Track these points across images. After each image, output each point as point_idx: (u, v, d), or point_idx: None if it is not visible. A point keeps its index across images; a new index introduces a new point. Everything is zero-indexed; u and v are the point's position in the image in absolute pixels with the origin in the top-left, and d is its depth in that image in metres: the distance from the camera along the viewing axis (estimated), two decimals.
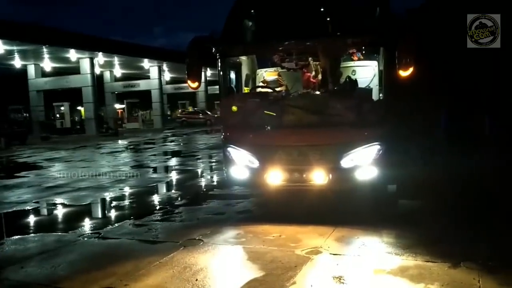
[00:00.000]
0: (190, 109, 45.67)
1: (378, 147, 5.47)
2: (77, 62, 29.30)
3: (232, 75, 7.03)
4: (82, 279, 4.23)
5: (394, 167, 5.84)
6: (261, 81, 7.05)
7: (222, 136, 6.33)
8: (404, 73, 5.21)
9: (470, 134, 10.70)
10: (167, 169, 12.77)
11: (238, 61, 7.09)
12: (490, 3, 9.08)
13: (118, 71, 37.21)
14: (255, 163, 5.76)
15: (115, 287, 3.97)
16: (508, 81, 11.62)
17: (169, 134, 28.38)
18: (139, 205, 7.82)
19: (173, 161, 14.65)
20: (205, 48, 5.96)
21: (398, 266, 4.16)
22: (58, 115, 35.67)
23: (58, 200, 8.32)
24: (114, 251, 5.15)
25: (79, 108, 38.88)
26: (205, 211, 6.93)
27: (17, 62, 29.16)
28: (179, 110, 48.55)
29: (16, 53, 26.77)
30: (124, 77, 39.26)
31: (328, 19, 5.69)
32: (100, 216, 7.64)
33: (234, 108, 5.98)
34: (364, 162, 5.48)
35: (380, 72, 6.16)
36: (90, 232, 6.06)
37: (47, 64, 29.82)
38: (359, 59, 6.74)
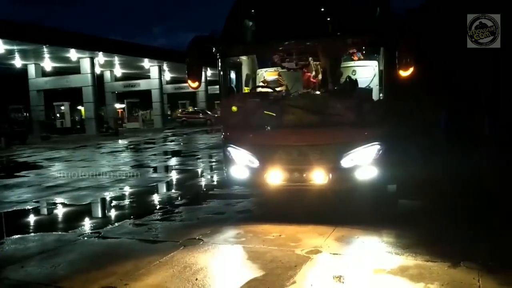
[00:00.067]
0: (190, 109, 45.65)
1: (378, 147, 5.48)
2: (78, 61, 29.32)
3: (232, 75, 7.04)
4: (82, 278, 4.23)
5: (394, 167, 5.84)
6: (261, 81, 7.05)
7: (222, 136, 6.34)
8: (404, 73, 5.21)
9: (470, 134, 10.71)
10: (167, 169, 12.78)
11: (238, 61, 7.09)
12: (490, 3, 9.08)
13: (118, 71, 37.24)
14: (255, 163, 5.76)
15: (115, 287, 3.98)
16: (508, 81, 11.62)
17: (169, 134, 28.39)
18: (139, 205, 7.83)
19: (173, 161, 14.66)
20: (205, 48, 5.96)
21: (398, 265, 4.17)
22: (58, 115, 35.68)
23: (58, 199, 8.32)
24: (114, 250, 5.16)
25: (79, 107, 38.89)
26: (205, 210, 6.93)
27: (18, 62, 29.19)
28: (180, 110, 48.55)
29: (16, 53, 26.79)
30: (125, 77, 39.29)
31: (328, 19, 5.69)
32: (100, 215, 7.65)
33: (234, 108, 5.99)
34: (364, 162, 5.48)
35: (380, 72, 6.16)
36: (90, 231, 6.07)
37: (48, 64, 29.84)
38: (359, 59, 6.75)
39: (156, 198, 8.70)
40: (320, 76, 6.60)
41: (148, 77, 38.06)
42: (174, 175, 11.51)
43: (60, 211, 7.70)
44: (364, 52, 6.65)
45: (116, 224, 6.41)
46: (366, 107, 5.61)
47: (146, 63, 35.04)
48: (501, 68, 11.38)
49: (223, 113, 6.69)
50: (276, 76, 6.94)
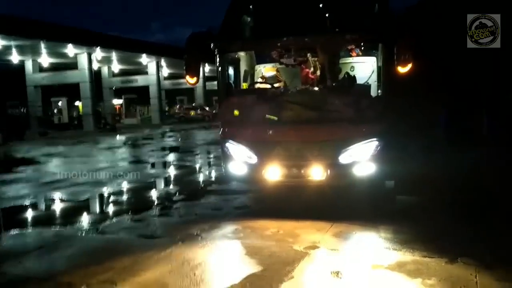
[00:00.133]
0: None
1: (376, 143, 5.50)
2: (75, 57, 29.16)
3: (231, 71, 7.03)
4: (80, 273, 4.23)
5: (392, 163, 5.86)
6: (260, 77, 7.04)
7: (220, 132, 6.34)
8: (402, 70, 5.23)
9: (470, 134, 10.76)
10: (165, 165, 12.77)
11: (236, 57, 7.09)
12: (490, 3, 9.09)
13: (116, 67, 37.08)
14: (253, 159, 5.78)
15: (113, 282, 3.98)
16: (508, 81, 11.66)
17: (167, 129, 28.34)
18: (137, 201, 7.83)
19: (171, 157, 14.64)
20: (203, 44, 5.95)
21: (396, 261, 4.19)
22: (55, 111, 35.56)
23: (57, 195, 8.32)
24: (112, 246, 5.16)
25: (77, 103, 38.75)
26: (203, 206, 6.94)
27: (15, 58, 29.03)
28: (177, 106, 48.41)
29: (13, 48, 26.63)
30: (122, 73, 39.14)
31: (326, 15, 5.70)
32: (98, 211, 7.64)
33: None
34: (362, 158, 5.50)
35: (378, 68, 6.16)
36: (89, 227, 6.07)
37: (45, 60, 29.67)
38: (357, 55, 6.75)
39: (154, 193, 8.70)
40: (318, 72, 6.59)
41: (146, 73, 37.91)
42: (172, 171, 11.50)
43: (58, 207, 7.70)
44: (362, 48, 6.66)
45: (115, 219, 6.42)
46: (364, 103, 5.62)
47: (144, 58, 34.92)
48: (501, 68, 11.42)
49: (221, 109, 6.69)
50: (275, 72, 6.92)
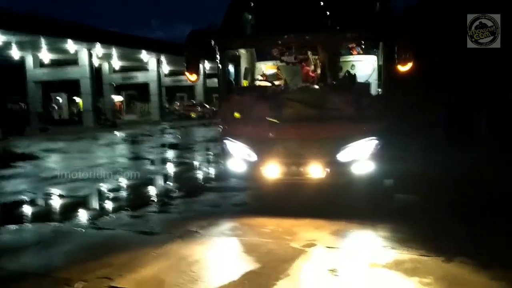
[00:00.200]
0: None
1: (376, 141, 5.49)
2: (75, 53, 29.12)
3: (231, 68, 7.02)
4: (78, 269, 4.24)
5: (391, 162, 5.86)
6: (260, 75, 7.04)
7: (220, 129, 6.33)
8: (403, 68, 5.23)
9: (469, 134, 10.76)
10: (164, 161, 12.77)
11: (237, 54, 7.07)
12: (490, 3, 9.08)
13: (116, 63, 37.01)
14: (253, 156, 5.77)
15: (111, 278, 3.98)
16: (508, 81, 11.66)
17: (166, 126, 28.33)
18: (136, 197, 7.83)
19: (171, 153, 14.63)
20: (203, 41, 5.95)
21: (393, 259, 4.19)
22: (56, 107, 35.53)
23: (55, 190, 8.31)
24: (110, 242, 5.17)
25: (77, 99, 38.71)
26: (202, 203, 6.95)
27: (15, 53, 28.96)
28: (177, 103, 48.39)
29: (13, 44, 26.58)
30: (123, 69, 39.06)
31: (327, 13, 5.68)
32: (97, 207, 7.64)
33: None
34: (361, 156, 5.50)
35: (379, 67, 6.17)
36: (87, 222, 6.08)
37: (45, 55, 29.60)
38: (358, 54, 6.75)
39: (153, 190, 8.69)
40: (319, 70, 6.58)
41: (146, 70, 37.90)
42: (171, 168, 11.51)
43: (56, 202, 7.70)
44: (363, 46, 6.65)
45: (113, 215, 6.42)
46: (365, 101, 5.62)
47: (144, 55, 34.86)
48: (501, 68, 11.41)
49: (221, 107, 6.69)
50: (275, 70, 6.93)
